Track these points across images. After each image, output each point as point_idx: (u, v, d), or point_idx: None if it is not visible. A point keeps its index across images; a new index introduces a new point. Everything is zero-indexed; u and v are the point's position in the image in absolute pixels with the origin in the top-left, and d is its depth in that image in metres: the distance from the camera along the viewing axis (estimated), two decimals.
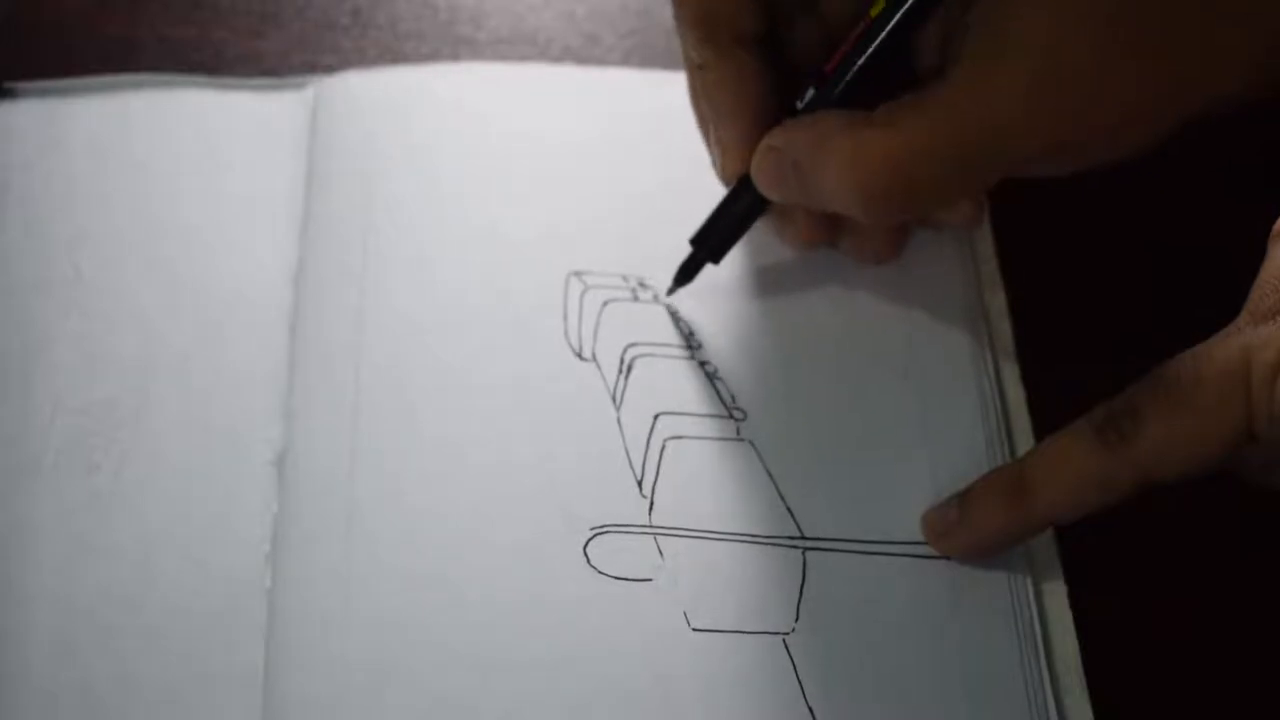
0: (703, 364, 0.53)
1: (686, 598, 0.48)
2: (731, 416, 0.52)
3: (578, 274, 0.55)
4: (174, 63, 0.60)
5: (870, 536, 0.49)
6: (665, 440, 0.51)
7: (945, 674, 0.47)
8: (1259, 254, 0.46)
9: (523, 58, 0.61)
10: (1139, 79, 0.47)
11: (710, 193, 0.53)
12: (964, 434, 0.51)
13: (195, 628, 0.48)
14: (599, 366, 0.53)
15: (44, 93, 0.59)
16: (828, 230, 0.53)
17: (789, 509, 0.50)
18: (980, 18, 0.47)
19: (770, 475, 0.50)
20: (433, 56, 0.61)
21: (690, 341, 0.53)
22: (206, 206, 0.56)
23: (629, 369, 0.53)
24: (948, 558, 0.49)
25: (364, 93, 0.58)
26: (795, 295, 0.54)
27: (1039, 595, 0.48)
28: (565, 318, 0.54)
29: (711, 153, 0.53)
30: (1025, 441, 0.51)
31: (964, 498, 0.49)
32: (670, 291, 0.54)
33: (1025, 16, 0.47)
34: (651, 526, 0.49)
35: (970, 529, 0.48)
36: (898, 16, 0.48)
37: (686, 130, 0.54)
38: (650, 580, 0.48)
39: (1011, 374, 0.53)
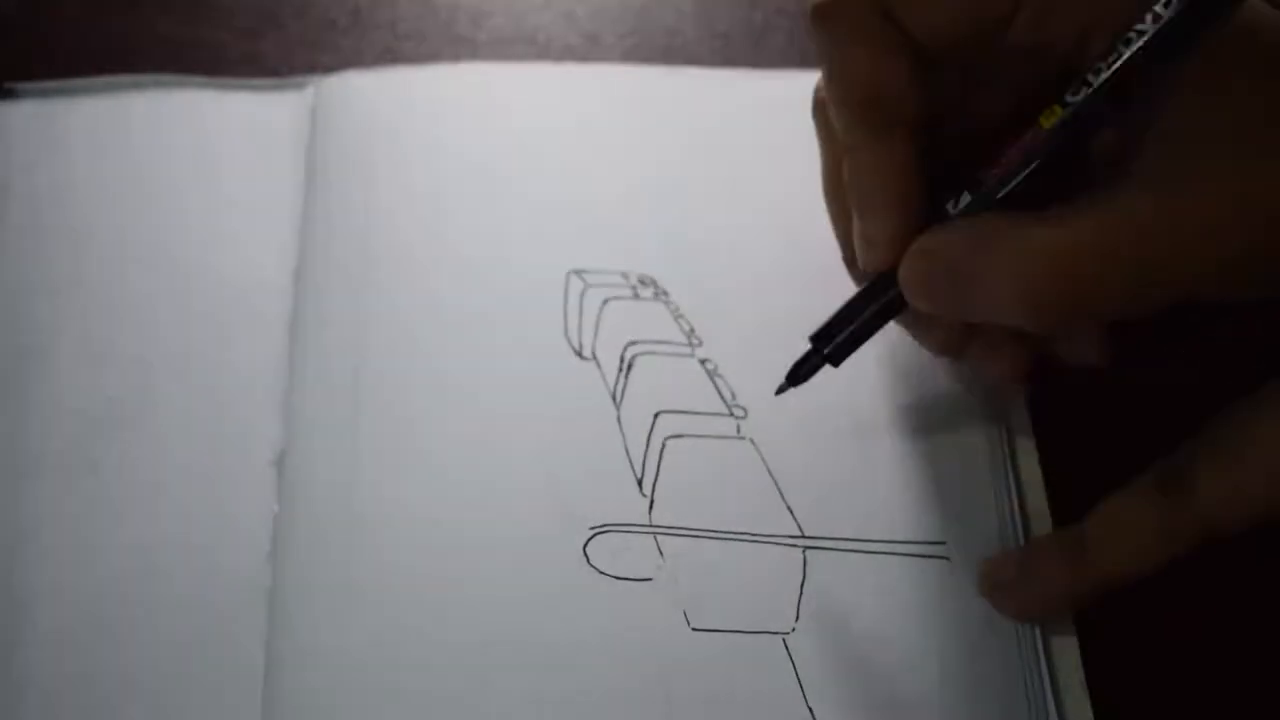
0: (703, 362, 0.53)
1: (686, 597, 0.48)
2: (732, 415, 0.52)
3: (577, 272, 0.55)
4: (174, 63, 0.60)
5: (870, 536, 0.49)
6: (665, 439, 0.51)
7: (945, 674, 0.47)
8: None
9: (523, 58, 0.61)
10: None
11: (710, 192, 0.53)
12: (965, 428, 0.51)
13: (195, 628, 0.48)
14: (599, 365, 0.53)
15: (44, 93, 0.59)
16: (968, 340, 0.50)
17: (789, 508, 0.50)
18: (1174, 120, 0.43)
19: (770, 474, 0.50)
20: (433, 56, 0.61)
21: (690, 339, 0.53)
22: (207, 207, 0.56)
23: (629, 367, 0.53)
24: (945, 557, 0.49)
25: (364, 93, 0.58)
26: (795, 292, 0.54)
27: None
28: (565, 316, 0.54)
29: (839, 237, 0.50)
30: (1025, 440, 0.51)
31: (1024, 553, 0.48)
32: (780, 390, 0.49)
33: (1229, 132, 0.43)
34: (651, 525, 0.49)
35: (1030, 587, 0.47)
36: (1071, 127, 0.44)
37: (686, 128, 0.54)
38: (650, 579, 0.48)
39: None
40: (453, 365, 0.52)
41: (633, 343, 0.53)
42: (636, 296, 0.54)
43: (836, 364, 0.48)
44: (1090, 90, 0.43)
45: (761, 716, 0.46)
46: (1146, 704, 0.47)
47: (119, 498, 0.50)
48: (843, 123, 0.46)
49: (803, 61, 0.61)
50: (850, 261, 0.50)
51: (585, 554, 0.49)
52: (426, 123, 0.58)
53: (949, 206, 0.45)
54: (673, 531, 0.49)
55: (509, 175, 0.57)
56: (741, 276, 0.55)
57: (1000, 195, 0.45)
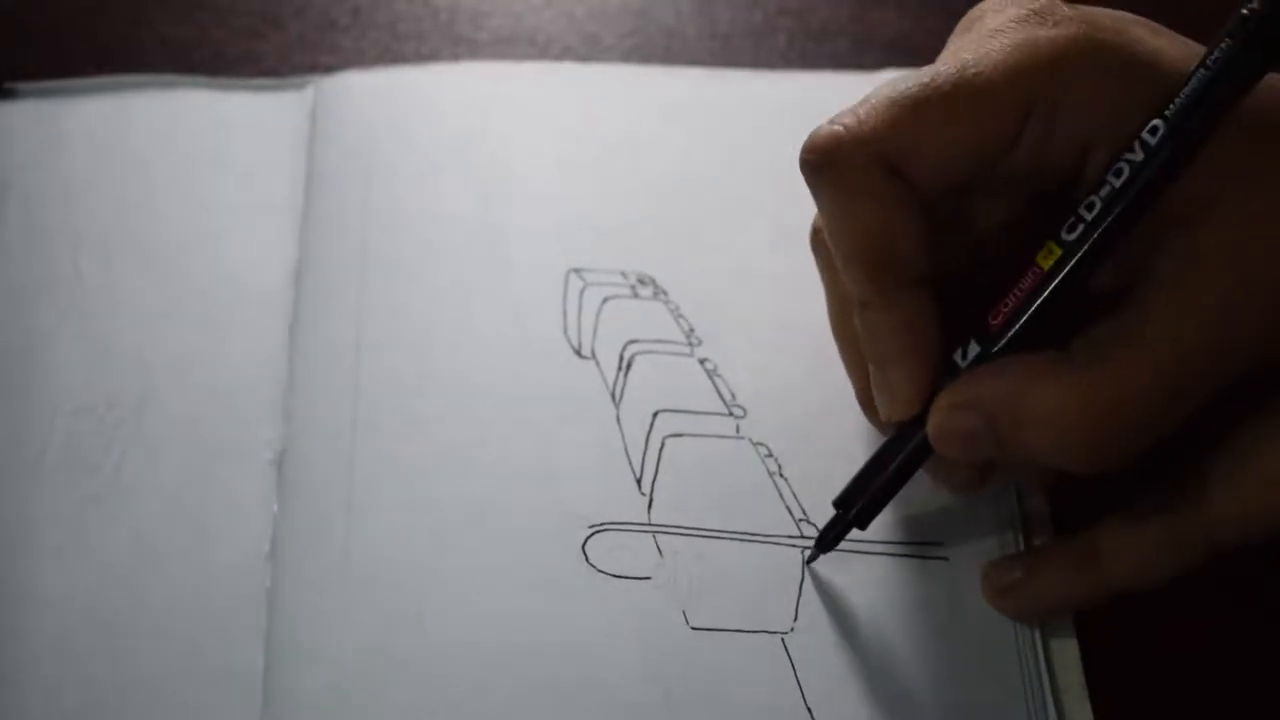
0: (702, 361, 0.53)
1: (685, 596, 0.48)
2: (731, 414, 0.52)
3: (577, 271, 0.55)
4: (174, 63, 0.60)
5: (869, 536, 0.49)
6: (664, 438, 0.51)
7: (944, 674, 0.47)
8: None
9: (523, 58, 0.61)
10: None
11: (709, 191, 0.53)
12: None
13: (195, 627, 0.48)
14: (598, 364, 0.53)
15: (44, 93, 0.59)
16: (987, 476, 0.48)
17: (788, 508, 0.50)
18: (1174, 235, 0.43)
19: (769, 474, 0.50)
20: (433, 56, 0.61)
21: (690, 339, 0.53)
22: (206, 206, 0.56)
23: (628, 366, 0.53)
24: (944, 558, 0.49)
25: (364, 93, 0.59)
26: (795, 292, 0.54)
27: None
28: (564, 315, 0.54)
29: (854, 379, 0.49)
30: None
31: (1030, 558, 0.48)
32: (811, 559, 0.49)
33: (1228, 229, 0.42)
34: (650, 524, 0.49)
35: (1034, 590, 0.47)
36: (1071, 266, 0.43)
37: (685, 126, 0.54)
38: (649, 578, 0.48)
39: None
40: (452, 364, 0.52)
41: (632, 342, 0.53)
42: (636, 295, 0.54)
43: (864, 526, 0.48)
44: (1085, 226, 0.42)
45: (760, 716, 0.46)
46: (1146, 705, 0.47)
47: (119, 497, 0.50)
48: (853, 281, 0.45)
49: (803, 61, 0.61)
50: (866, 403, 0.49)
51: (584, 552, 0.49)
52: (426, 122, 0.58)
53: (956, 357, 0.45)
54: (672, 530, 0.49)
55: (508, 175, 0.57)
56: (741, 276, 0.55)
57: (1008, 340, 0.44)
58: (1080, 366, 0.42)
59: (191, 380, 0.52)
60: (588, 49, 0.61)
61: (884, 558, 0.49)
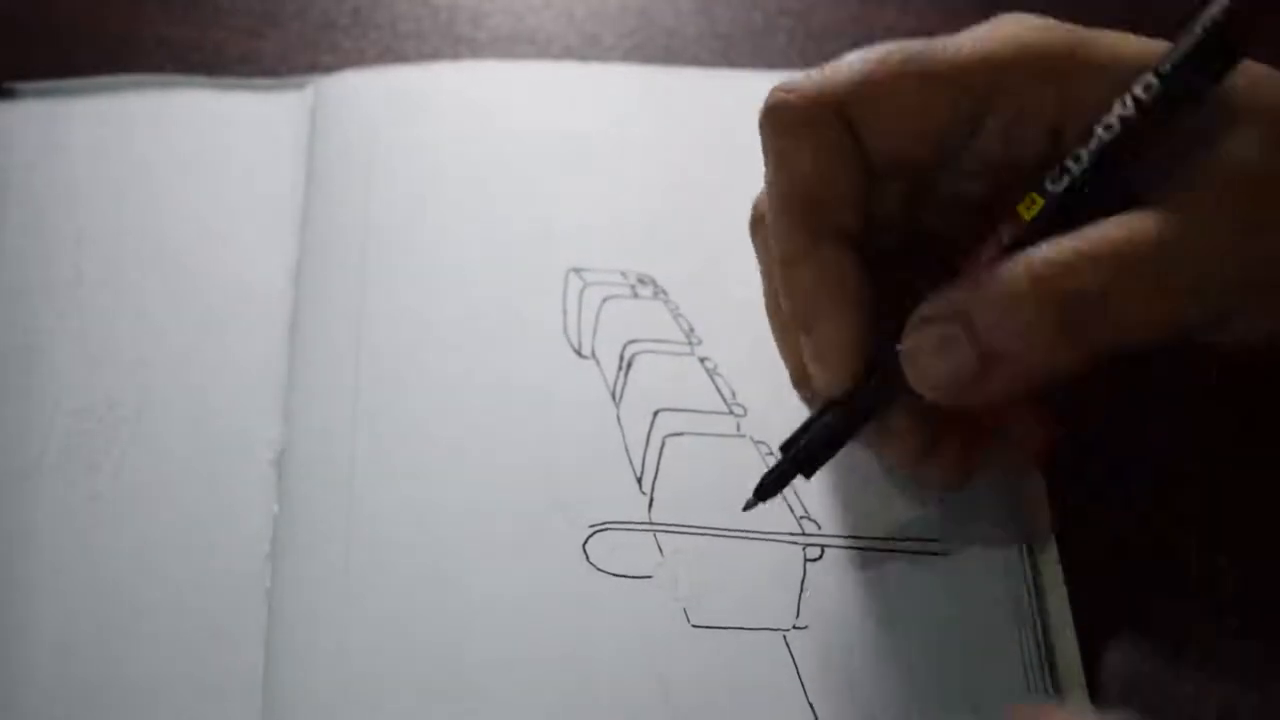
0: (702, 360, 0.53)
1: (686, 595, 0.48)
2: (731, 413, 0.52)
3: (577, 271, 0.55)
4: (174, 63, 0.60)
5: (870, 533, 0.49)
6: (665, 437, 0.51)
7: (945, 671, 0.47)
8: None
9: (523, 58, 0.61)
10: None
11: (709, 191, 0.53)
12: None
13: (195, 628, 0.48)
14: (598, 363, 0.53)
15: (44, 93, 0.59)
16: (929, 450, 0.47)
17: (788, 505, 0.50)
18: (1183, 151, 0.43)
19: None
20: (433, 56, 0.61)
21: (690, 338, 0.53)
22: (206, 206, 0.56)
23: (628, 366, 0.53)
24: (945, 553, 0.49)
25: (364, 93, 0.59)
26: None
27: (1039, 593, 0.48)
28: (564, 315, 0.54)
29: (786, 357, 0.49)
30: None
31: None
32: (748, 506, 0.48)
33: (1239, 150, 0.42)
34: (651, 523, 0.49)
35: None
36: (1055, 210, 0.43)
37: (685, 126, 0.54)
38: (650, 577, 0.48)
39: None
40: (452, 364, 0.52)
41: (632, 341, 0.53)
42: (635, 295, 0.54)
43: (809, 475, 0.47)
44: (1073, 176, 0.42)
45: (762, 713, 0.46)
46: (1147, 703, 0.47)
47: (119, 497, 0.50)
48: (779, 235, 0.45)
49: (802, 61, 0.61)
50: (800, 381, 0.48)
51: (585, 552, 0.49)
52: (426, 122, 0.58)
53: (1001, 236, 0.44)
54: (672, 529, 0.49)
55: (508, 174, 0.57)
56: (740, 276, 0.54)
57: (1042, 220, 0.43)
58: (1051, 244, 0.42)
59: (191, 380, 0.52)
60: (588, 49, 0.61)
61: (885, 554, 0.49)
